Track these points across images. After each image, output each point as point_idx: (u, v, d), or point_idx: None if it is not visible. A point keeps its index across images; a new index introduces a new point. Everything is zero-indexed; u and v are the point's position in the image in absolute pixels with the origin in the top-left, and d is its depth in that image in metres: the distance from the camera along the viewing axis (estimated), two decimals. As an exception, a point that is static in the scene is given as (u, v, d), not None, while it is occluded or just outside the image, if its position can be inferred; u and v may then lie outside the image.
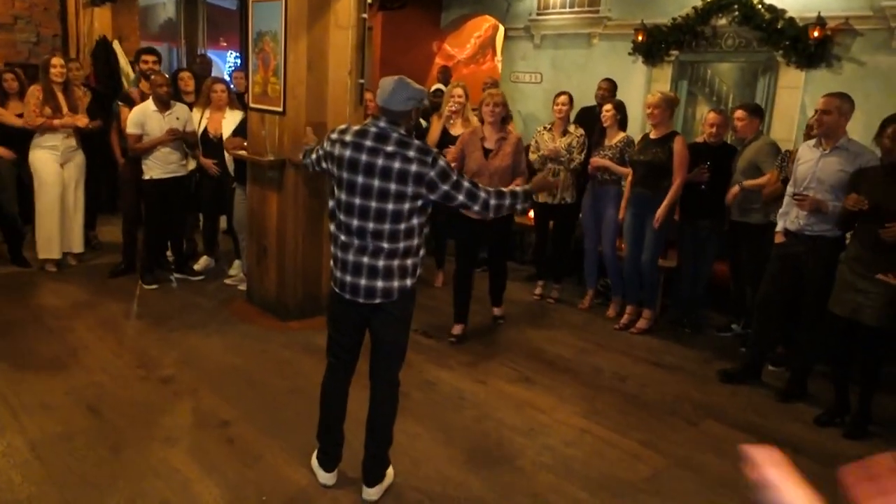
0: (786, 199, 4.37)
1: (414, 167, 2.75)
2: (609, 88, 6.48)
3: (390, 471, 3.18)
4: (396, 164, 2.74)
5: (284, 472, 3.24)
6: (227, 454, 3.37)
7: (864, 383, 3.91)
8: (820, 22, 5.70)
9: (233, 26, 11.73)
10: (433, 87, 6.77)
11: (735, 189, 4.91)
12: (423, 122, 6.42)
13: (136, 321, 5.04)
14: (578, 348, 5.04)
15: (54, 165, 5.74)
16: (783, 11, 5.95)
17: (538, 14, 8.01)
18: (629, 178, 5.34)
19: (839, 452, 3.74)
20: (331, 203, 2.94)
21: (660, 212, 5.07)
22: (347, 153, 2.81)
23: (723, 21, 6.40)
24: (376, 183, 2.76)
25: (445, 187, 2.82)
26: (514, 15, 8.32)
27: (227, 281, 5.97)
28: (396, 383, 3.08)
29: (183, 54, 10.67)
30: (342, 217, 2.85)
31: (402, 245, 2.84)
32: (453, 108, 5.75)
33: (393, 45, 9.09)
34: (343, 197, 2.83)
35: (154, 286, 5.70)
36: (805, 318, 4.31)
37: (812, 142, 4.28)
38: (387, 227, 2.80)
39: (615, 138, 5.50)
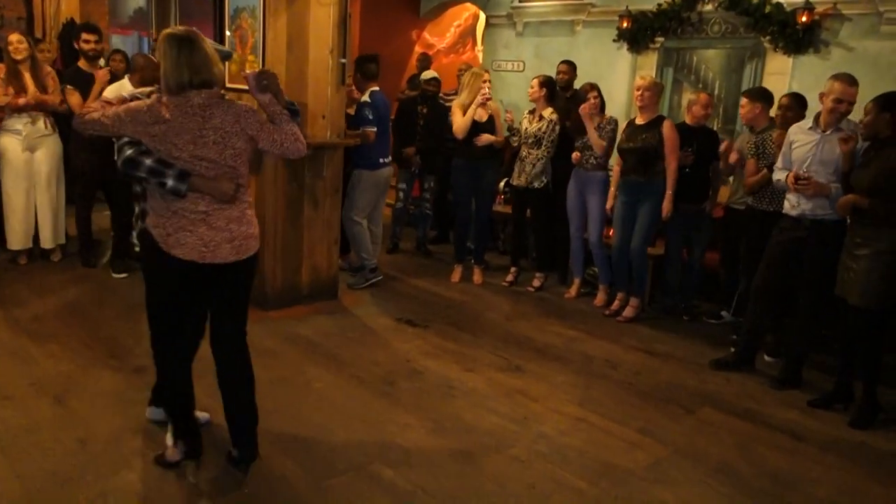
0: (778, 184, 4.24)
1: None
2: (568, 71, 6.36)
3: None
4: None
5: (267, 463, 3.06)
6: (206, 445, 3.16)
7: (863, 370, 3.80)
8: (808, 7, 5.64)
9: (205, 15, 11.41)
10: (429, 76, 6.65)
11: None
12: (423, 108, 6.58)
13: (107, 310, 4.79)
14: (567, 337, 4.91)
15: (20, 152, 5.43)
16: (771, -4, 5.89)
17: (521, 1, 7.86)
18: (616, 168, 5.27)
19: (841, 439, 3.64)
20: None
21: (667, 203, 5.01)
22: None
23: (709, 7, 6.33)
24: None
25: None
26: (495, 2, 8.17)
27: None
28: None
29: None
30: None
31: None
32: (488, 95, 5.64)
33: (372, 32, 8.88)
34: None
35: (124, 275, 5.46)
36: (803, 305, 4.20)
37: (805, 123, 4.18)
38: None
39: (599, 121, 5.42)
